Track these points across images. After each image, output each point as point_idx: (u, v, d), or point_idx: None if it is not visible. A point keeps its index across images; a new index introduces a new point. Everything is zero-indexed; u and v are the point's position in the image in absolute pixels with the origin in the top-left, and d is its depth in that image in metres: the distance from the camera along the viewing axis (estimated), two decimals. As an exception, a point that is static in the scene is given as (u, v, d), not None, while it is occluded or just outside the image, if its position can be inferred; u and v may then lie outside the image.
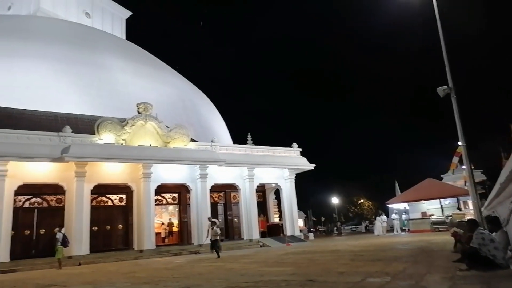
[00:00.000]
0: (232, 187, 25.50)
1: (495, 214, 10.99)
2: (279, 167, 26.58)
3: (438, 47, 13.93)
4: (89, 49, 32.82)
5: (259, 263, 11.43)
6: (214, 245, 16.32)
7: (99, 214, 20.64)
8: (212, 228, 16.92)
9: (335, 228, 48.95)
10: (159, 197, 23.14)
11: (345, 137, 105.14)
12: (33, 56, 28.88)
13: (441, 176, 37.99)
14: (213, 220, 18.52)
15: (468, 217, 18.97)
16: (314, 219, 58.23)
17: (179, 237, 23.59)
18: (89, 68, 30.66)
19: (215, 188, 24.38)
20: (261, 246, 22.89)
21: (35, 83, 27.18)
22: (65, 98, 27.39)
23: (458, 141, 14.20)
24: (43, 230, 19.13)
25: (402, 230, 31.36)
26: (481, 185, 29.81)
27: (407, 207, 32.78)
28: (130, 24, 52.91)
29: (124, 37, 49.89)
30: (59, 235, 16.04)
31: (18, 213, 18.81)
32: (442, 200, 29.27)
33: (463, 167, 17.65)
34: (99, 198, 21.14)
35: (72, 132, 19.77)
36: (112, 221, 21.18)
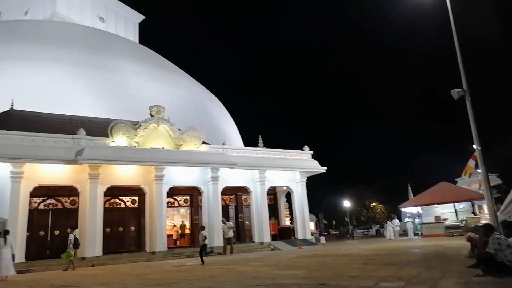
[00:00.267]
0: (243, 190, 25.53)
1: (512, 219, 10.78)
2: (290, 170, 26.51)
3: (453, 48, 13.75)
4: (103, 53, 33.36)
5: (270, 266, 11.41)
6: (202, 250, 15.62)
7: (112, 216, 20.86)
8: (200, 233, 16.39)
9: (348, 231, 48.54)
10: (171, 199, 23.29)
11: (358, 140, 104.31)
12: (49, 60, 29.47)
13: (455, 179, 37.41)
14: (202, 225, 18.22)
15: (483, 222, 18.65)
16: (326, 222, 57.83)
17: (190, 239, 23.68)
18: (103, 71, 31.16)
19: (227, 191, 24.43)
20: (272, 249, 22.84)
21: (50, 86, 27.73)
22: (80, 101, 27.86)
23: (473, 144, 13.98)
24: (57, 231, 19.42)
25: (415, 234, 30.96)
26: (496, 189, 29.26)
27: (420, 211, 32.34)
28: (143, 28, 53.64)
29: (137, 40, 50.59)
30: (71, 237, 16.25)
31: (33, 214, 19.14)
32: (456, 204, 28.79)
33: (478, 170, 17.35)
34: (112, 200, 21.37)
35: (86, 135, 20.04)
36: (125, 223, 21.39)
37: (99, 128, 22.79)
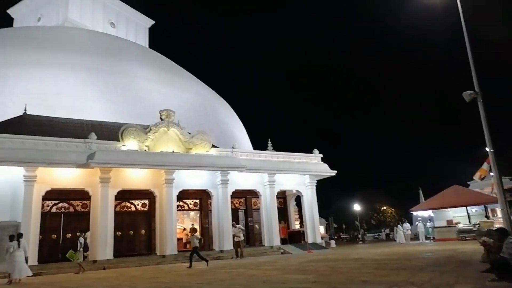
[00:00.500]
0: (253, 193, 25.52)
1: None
2: (300, 174, 26.44)
3: (465, 50, 13.61)
4: (114, 58, 33.79)
5: (280, 270, 11.37)
6: (193, 253, 15.30)
7: (122, 219, 21.02)
8: (192, 235, 16.13)
9: (359, 235, 48.13)
10: (181, 203, 23.38)
11: (369, 144, 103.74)
12: (61, 66, 29.93)
13: (468, 183, 36.89)
14: (193, 227, 17.89)
15: (497, 226, 18.33)
16: (336, 225, 57.47)
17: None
18: (114, 76, 31.55)
19: (236, 194, 24.45)
20: (282, 253, 22.76)
21: (63, 91, 28.16)
22: (91, 105, 28.22)
23: (486, 147, 13.78)
24: (69, 234, 19.63)
25: (426, 238, 30.58)
26: (509, 193, 28.72)
27: (432, 215, 31.93)
28: (153, 32, 54.19)
29: (147, 45, 51.11)
30: (81, 240, 16.41)
31: (46, 217, 19.38)
32: (469, 207, 28.37)
33: (491, 173, 17.08)
34: (123, 204, 21.54)
35: (97, 139, 20.27)
36: (135, 226, 21.53)
37: (110, 132, 23.03)
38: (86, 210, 20.37)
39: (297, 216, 29.40)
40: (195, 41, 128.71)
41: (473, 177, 20.83)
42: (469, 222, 27.59)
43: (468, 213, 28.54)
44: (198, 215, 24.48)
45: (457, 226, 27.61)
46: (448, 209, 28.83)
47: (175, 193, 21.80)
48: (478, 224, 24.72)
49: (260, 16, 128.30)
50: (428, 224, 32.54)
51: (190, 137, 23.03)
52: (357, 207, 53.12)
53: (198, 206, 24.17)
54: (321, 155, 27.80)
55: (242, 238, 20.51)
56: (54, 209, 19.98)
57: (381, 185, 69.89)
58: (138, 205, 21.99)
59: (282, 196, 27.59)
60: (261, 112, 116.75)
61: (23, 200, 17.96)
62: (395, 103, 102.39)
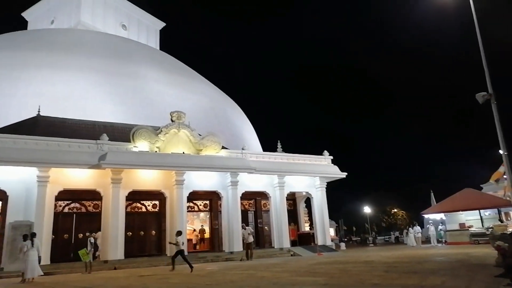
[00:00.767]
0: (263, 195, 25.51)
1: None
2: (310, 175, 26.34)
3: (478, 53, 13.46)
4: (125, 60, 34.16)
5: (290, 272, 11.35)
6: (177, 255, 14.86)
7: (133, 220, 21.20)
8: (176, 238, 15.43)
9: (369, 238, 47.73)
10: (191, 204, 23.48)
11: (379, 146, 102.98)
12: (74, 68, 30.38)
13: (480, 185, 36.35)
14: (179, 230, 17.30)
15: (511, 229, 18.03)
16: (345, 228, 57.13)
17: (210, 244, 23.80)
18: (125, 78, 31.90)
19: (246, 196, 24.48)
20: (291, 255, 22.70)
21: (75, 93, 28.57)
22: (103, 107, 28.56)
23: (499, 149, 13.59)
24: (81, 234, 19.84)
25: (438, 241, 30.20)
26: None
27: (444, 218, 31.52)
28: (163, 34, 54.63)
29: (158, 47, 51.56)
30: (92, 240, 16.57)
31: (58, 217, 19.63)
32: (481, 211, 27.94)
33: (505, 176, 16.81)
34: (134, 204, 21.72)
35: (108, 140, 20.50)
36: (146, 227, 21.68)
37: (121, 133, 23.26)
38: (98, 210, 20.59)
39: (307, 218, 29.30)
40: (204, 43, 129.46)
41: (490, 180, 20.55)
42: (482, 226, 27.16)
43: (481, 217, 28.10)
44: (208, 216, 24.56)
45: (469, 229, 27.21)
46: (460, 212, 28.45)
47: (186, 194, 21.90)
48: (492, 227, 24.32)
49: (271, 18, 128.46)
50: (440, 227, 32.13)
51: (201, 138, 23.14)
52: (367, 209, 52.74)
53: (208, 207, 24.24)
54: (331, 157, 27.68)
55: (251, 240, 20.52)
56: (66, 209, 20.24)
57: (392, 187, 69.50)
58: (148, 206, 22.16)
59: (291, 198, 27.52)
60: (270, 114, 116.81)
61: (36, 200, 18.25)
62: (407, 105, 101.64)
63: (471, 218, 28.52)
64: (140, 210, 21.92)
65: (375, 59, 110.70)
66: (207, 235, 24.22)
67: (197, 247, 24.01)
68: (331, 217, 30.21)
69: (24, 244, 13.15)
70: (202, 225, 24.63)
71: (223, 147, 23.95)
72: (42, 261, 15.37)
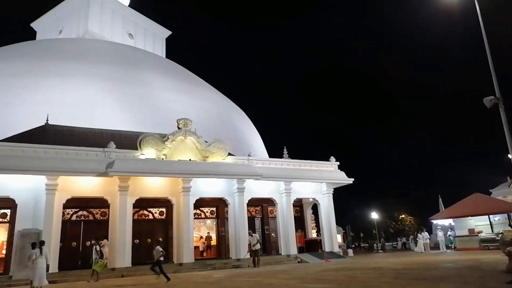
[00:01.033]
0: (269, 201, 25.45)
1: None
2: (316, 181, 26.25)
3: (485, 56, 13.39)
4: (132, 68, 34.49)
5: (298, 279, 11.28)
6: (156, 265, 14.43)
7: (140, 227, 21.23)
8: (156, 248, 15.04)
9: (378, 244, 47.27)
10: (198, 211, 23.48)
11: (386, 151, 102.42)
12: (82, 76, 30.74)
13: (490, 190, 35.97)
14: (157, 239, 16.71)
15: (522, 235, 17.75)
16: (353, 234, 56.67)
17: (217, 251, 23.75)
18: (132, 86, 32.19)
19: (252, 202, 24.43)
20: (299, 262, 22.56)
21: (83, 101, 28.87)
22: (110, 115, 28.81)
23: (508, 153, 13.45)
24: (89, 242, 19.89)
25: (447, 247, 29.85)
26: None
27: (453, 224, 31.17)
28: (169, 42, 55.12)
29: (164, 55, 52.03)
30: (97, 248, 16.59)
31: (66, 225, 19.73)
32: (491, 216, 27.59)
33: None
34: (141, 212, 21.78)
35: (116, 148, 20.63)
36: (153, 234, 21.68)
37: (129, 141, 23.40)
38: (105, 218, 20.66)
39: (314, 225, 29.14)
40: (208, 49, 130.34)
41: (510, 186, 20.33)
42: (492, 231, 26.82)
43: (490, 222, 27.75)
44: (214, 223, 24.53)
45: (479, 235, 26.87)
46: (470, 217, 28.11)
47: (192, 201, 21.93)
48: (502, 233, 23.95)
49: (278, 24, 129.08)
50: (449, 233, 31.78)
51: (207, 145, 23.21)
52: (374, 215, 52.30)
53: (215, 214, 24.22)
54: (338, 163, 27.57)
55: (258, 247, 20.41)
56: (74, 217, 20.34)
57: (399, 193, 68.88)
58: (155, 213, 22.21)
59: (298, 204, 27.41)
60: (276, 120, 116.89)
61: (45, 208, 18.36)
62: (414, 110, 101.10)
63: (481, 224, 28.16)
64: (147, 217, 21.97)
65: (382, 64, 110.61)
66: (214, 242, 24.18)
67: (204, 254, 23.97)
68: (338, 223, 29.97)
69: (33, 252, 13.20)
70: (208, 232, 24.60)
71: (229, 154, 23.99)
72: (50, 269, 15.46)
